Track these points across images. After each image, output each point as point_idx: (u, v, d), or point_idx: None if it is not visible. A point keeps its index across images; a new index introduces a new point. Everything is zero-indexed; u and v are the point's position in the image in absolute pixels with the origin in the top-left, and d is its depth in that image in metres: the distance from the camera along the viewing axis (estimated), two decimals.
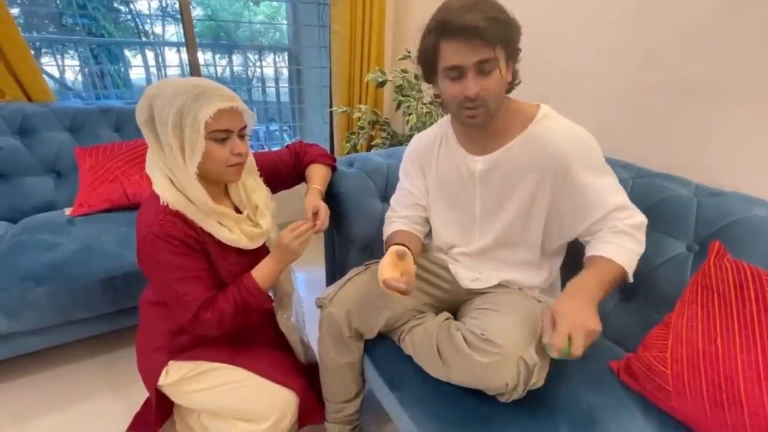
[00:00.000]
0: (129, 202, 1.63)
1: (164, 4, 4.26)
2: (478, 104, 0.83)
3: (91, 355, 1.52)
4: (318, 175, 1.14)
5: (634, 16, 1.24)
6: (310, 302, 1.11)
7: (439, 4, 0.82)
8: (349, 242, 1.30)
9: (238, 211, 0.99)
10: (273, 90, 3.10)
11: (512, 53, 0.84)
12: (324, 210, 1.01)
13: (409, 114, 1.81)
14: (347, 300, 1.00)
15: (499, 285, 1.02)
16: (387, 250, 0.92)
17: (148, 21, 4.39)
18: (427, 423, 0.87)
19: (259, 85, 3.49)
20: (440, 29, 0.79)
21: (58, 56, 3.62)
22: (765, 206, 0.93)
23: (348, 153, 2.05)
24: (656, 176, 1.10)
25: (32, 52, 1.72)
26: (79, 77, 3.68)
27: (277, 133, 3.43)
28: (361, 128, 2.08)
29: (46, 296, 1.26)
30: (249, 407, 0.99)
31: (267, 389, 1.00)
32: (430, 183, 1.07)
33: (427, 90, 1.27)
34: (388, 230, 1.09)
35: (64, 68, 3.63)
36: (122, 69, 3.53)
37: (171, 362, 0.97)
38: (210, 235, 0.90)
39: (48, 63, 3.49)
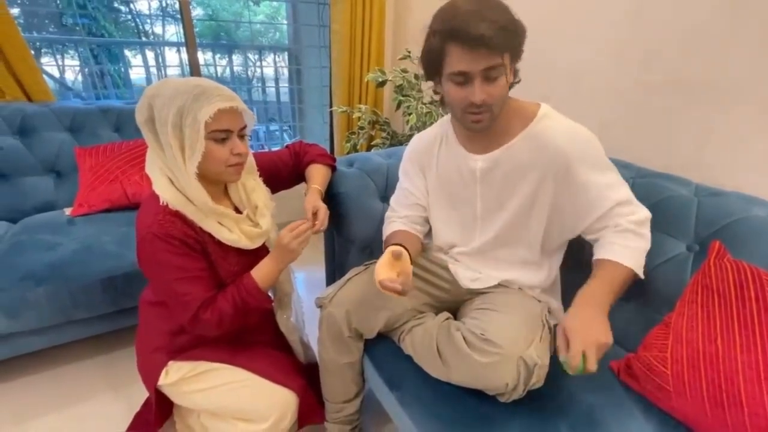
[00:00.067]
0: (129, 202, 1.63)
1: (164, 4, 4.26)
2: (483, 110, 0.83)
3: (91, 355, 1.52)
4: (318, 175, 1.14)
5: (634, 16, 1.23)
6: (310, 302, 1.11)
7: (442, 4, 0.81)
8: (349, 242, 1.30)
9: (237, 211, 0.99)
10: (273, 90, 3.10)
11: (517, 56, 0.84)
12: (323, 210, 1.01)
13: (409, 114, 1.81)
14: (347, 300, 1.00)
15: (499, 285, 1.02)
16: (385, 250, 0.92)
17: (148, 21, 4.38)
18: (427, 423, 0.87)
19: (259, 85, 3.49)
20: (448, 34, 0.78)
21: (58, 56, 3.62)
22: (765, 206, 0.92)
23: (348, 153, 2.04)
24: (656, 176, 1.10)
25: (32, 52, 1.72)
26: (79, 77, 3.68)
27: (277, 133, 3.43)
28: (361, 128, 2.08)
29: (46, 296, 1.26)
30: (249, 407, 0.99)
31: (267, 389, 1.00)
32: (431, 183, 1.07)
33: (427, 90, 1.27)
34: (387, 230, 1.09)
35: (64, 68, 3.63)
36: (122, 69, 3.52)
37: (171, 362, 0.97)
38: (210, 235, 0.90)
39: (48, 63, 3.49)
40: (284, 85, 3.08)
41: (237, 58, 4.09)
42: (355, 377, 1.07)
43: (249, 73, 4.17)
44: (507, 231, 0.99)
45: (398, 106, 1.89)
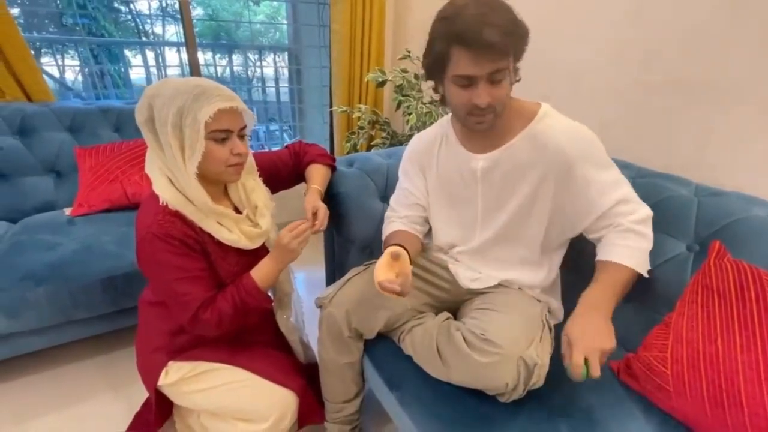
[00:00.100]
0: (129, 202, 1.63)
1: (164, 4, 4.26)
2: (487, 111, 0.83)
3: (91, 355, 1.52)
4: (317, 175, 1.14)
5: (634, 16, 1.23)
6: (310, 302, 1.11)
7: (443, 4, 0.81)
8: (349, 242, 1.30)
9: (237, 211, 0.99)
10: (273, 90, 3.10)
11: (520, 57, 0.84)
12: (323, 210, 1.01)
13: (409, 114, 1.81)
14: (347, 300, 1.00)
15: (499, 285, 1.02)
16: (385, 250, 0.92)
17: (148, 21, 4.38)
18: (427, 423, 0.87)
19: (259, 85, 3.49)
20: (453, 38, 0.77)
21: (58, 56, 3.62)
22: (765, 206, 0.92)
23: (348, 153, 2.04)
24: (656, 176, 1.10)
25: (32, 52, 1.72)
26: (79, 77, 3.68)
27: (277, 133, 3.43)
28: (361, 128, 2.08)
29: (46, 296, 1.26)
30: (249, 407, 0.99)
31: (267, 389, 1.00)
32: (431, 183, 1.07)
33: (427, 90, 1.27)
34: (387, 230, 1.09)
35: (64, 68, 3.63)
36: (122, 69, 3.52)
37: (171, 362, 0.97)
38: (209, 235, 0.90)
39: (48, 63, 3.49)
40: (284, 85, 3.09)
41: (237, 58, 4.10)
42: (355, 377, 1.07)
43: (249, 73, 4.18)
44: (507, 230, 0.99)
45: (398, 106, 1.88)
